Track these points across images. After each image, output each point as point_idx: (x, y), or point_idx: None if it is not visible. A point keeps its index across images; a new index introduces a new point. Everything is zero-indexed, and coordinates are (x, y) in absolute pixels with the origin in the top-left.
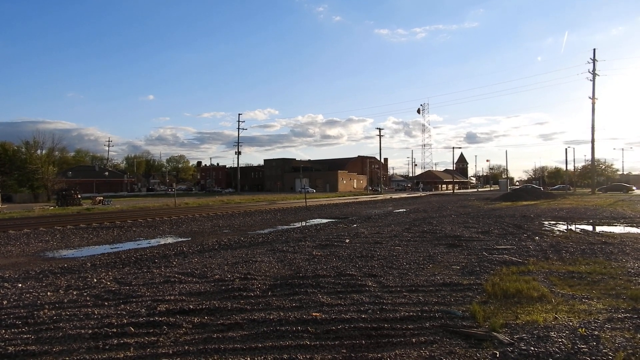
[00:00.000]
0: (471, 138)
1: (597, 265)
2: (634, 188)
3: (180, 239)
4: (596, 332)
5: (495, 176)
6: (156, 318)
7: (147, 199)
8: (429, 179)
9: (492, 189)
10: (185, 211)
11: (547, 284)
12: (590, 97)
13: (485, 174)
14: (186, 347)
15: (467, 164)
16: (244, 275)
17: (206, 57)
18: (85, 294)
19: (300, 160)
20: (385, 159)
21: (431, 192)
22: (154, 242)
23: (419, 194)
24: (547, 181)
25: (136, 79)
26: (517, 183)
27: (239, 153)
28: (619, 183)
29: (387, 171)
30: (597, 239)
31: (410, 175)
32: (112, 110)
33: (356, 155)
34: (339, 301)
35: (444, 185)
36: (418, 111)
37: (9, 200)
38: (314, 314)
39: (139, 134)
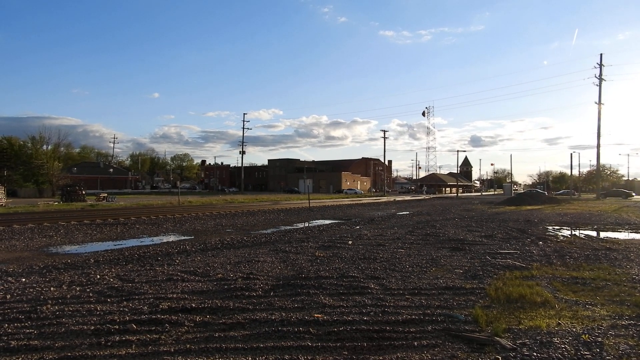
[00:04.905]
0: (476, 141)
1: (601, 271)
2: (633, 194)
3: (183, 237)
4: (599, 339)
5: (499, 180)
6: (158, 316)
7: (150, 197)
8: (433, 182)
9: (496, 192)
10: (188, 209)
11: (550, 289)
12: (596, 102)
13: (489, 177)
14: (188, 346)
15: (472, 167)
16: (246, 275)
17: (211, 56)
18: (88, 290)
19: (304, 161)
20: (389, 161)
21: (435, 195)
22: (157, 239)
23: (422, 197)
24: (551, 186)
25: (141, 76)
26: (516, 187)
27: (243, 152)
28: (619, 189)
29: (391, 173)
30: (601, 244)
31: (414, 177)
32: (117, 107)
33: (360, 157)
34: (341, 303)
35: (448, 189)
36: (423, 114)
37: (13, 195)
38: (316, 315)
39: (143, 132)
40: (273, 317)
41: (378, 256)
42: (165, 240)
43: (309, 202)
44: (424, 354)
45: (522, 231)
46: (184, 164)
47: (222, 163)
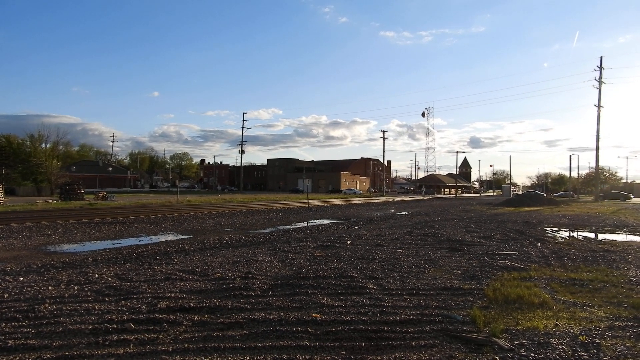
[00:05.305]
0: (475, 143)
1: (599, 273)
2: (631, 196)
3: (181, 237)
4: (597, 340)
5: (498, 181)
6: (156, 315)
7: (149, 196)
8: (432, 183)
9: (495, 194)
10: (187, 208)
11: (548, 290)
12: (596, 105)
13: (488, 179)
14: (186, 345)
15: (471, 168)
16: (244, 275)
17: (212, 55)
18: (86, 289)
19: (304, 161)
20: (389, 162)
21: (434, 196)
22: (155, 238)
23: (421, 197)
24: (550, 187)
25: (141, 76)
26: (515, 189)
27: (242, 152)
28: (618, 191)
29: (390, 174)
30: (599, 246)
31: (413, 178)
32: (116, 106)
33: (359, 157)
34: (340, 303)
35: (447, 189)
36: (423, 114)
37: (12, 193)
38: (314, 314)
39: (143, 131)
40: (271, 317)
41: (376, 256)
42: (163, 240)
43: (308, 202)
44: (421, 354)
45: (521, 232)
46: (183, 163)
47: (221, 162)
